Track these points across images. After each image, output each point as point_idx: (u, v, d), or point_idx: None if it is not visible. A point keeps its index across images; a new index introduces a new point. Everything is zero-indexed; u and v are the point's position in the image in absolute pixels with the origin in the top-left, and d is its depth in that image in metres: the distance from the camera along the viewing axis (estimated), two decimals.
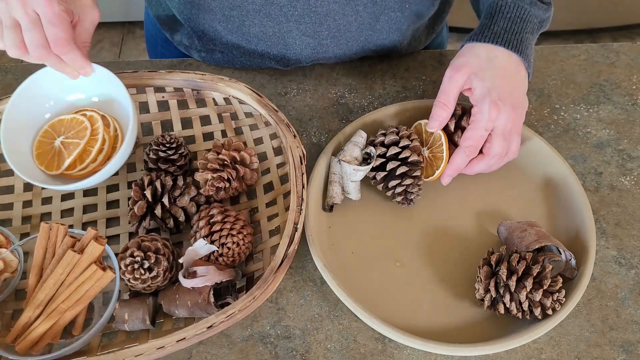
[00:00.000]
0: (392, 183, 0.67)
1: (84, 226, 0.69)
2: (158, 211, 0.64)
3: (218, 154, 0.67)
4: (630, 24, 2.05)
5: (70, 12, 0.61)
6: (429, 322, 0.62)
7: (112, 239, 0.68)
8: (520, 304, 0.59)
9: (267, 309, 0.64)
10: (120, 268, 0.60)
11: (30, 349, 0.58)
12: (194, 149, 0.74)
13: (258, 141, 0.74)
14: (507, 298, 0.59)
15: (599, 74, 0.84)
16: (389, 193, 0.68)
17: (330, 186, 0.69)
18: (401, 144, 0.67)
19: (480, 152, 0.67)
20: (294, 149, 0.67)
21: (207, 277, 0.59)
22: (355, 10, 0.73)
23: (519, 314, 0.59)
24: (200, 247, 0.62)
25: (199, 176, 0.66)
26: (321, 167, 0.70)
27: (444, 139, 0.68)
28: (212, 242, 0.62)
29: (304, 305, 0.64)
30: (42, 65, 0.64)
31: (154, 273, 0.59)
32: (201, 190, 0.66)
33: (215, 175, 0.66)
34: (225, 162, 0.66)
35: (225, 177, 0.66)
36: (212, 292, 0.59)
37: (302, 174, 0.65)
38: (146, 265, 0.59)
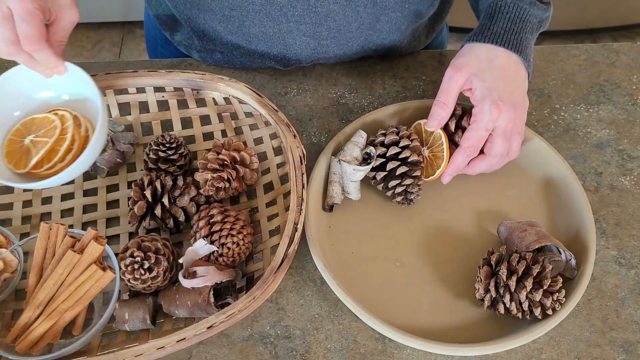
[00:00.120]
0: (392, 183, 0.67)
1: (84, 226, 0.69)
2: (158, 211, 0.64)
3: (218, 154, 0.67)
4: (630, 24, 2.05)
5: (47, 11, 0.61)
6: (429, 322, 0.62)
7: (112, 239, 0.68)
8: (520, 304, 0.59)
9: (267, 309, 0.64)
10: (120, 268, 0.59)
11: (30, 349, 0.58)
12: (193, 148, 0.74)
13: (258, 141, 0.74)
14: (507, 298, 0.59)
15: (599, 74, 0.83)
16: (389, 193, 0.68)
17: (330, 186, 0.69)
18: (401, 144, 0.67)
19: (482, 152, 0.67)
20: (294, 149, 0.67)
21: (207, 277, 0.59)
22: (356, 10, 0.73)
23: (519, 314, 0.59)
24: (200, 247, 0.62)
25: (198, 176, 0.66)
26: (321, 167, 0.70)
27: (444, 139, 0.68)
28: (212, 242, 0.62)
29: (304, 305, 0.64)
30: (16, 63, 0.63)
31: (154, 273, 0.59)
32: (201, 190, 0.66)
33: (215, 175, 0.65)
34: (225, 162, 0.66)
35: (225, 177, 0.66)
36: (212, 292, 0.59)
37: (302, 174, 0.65)
38: (146, 265, 0.59)
